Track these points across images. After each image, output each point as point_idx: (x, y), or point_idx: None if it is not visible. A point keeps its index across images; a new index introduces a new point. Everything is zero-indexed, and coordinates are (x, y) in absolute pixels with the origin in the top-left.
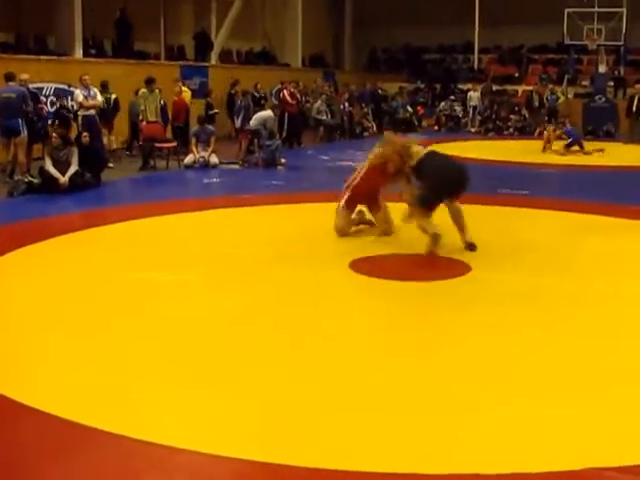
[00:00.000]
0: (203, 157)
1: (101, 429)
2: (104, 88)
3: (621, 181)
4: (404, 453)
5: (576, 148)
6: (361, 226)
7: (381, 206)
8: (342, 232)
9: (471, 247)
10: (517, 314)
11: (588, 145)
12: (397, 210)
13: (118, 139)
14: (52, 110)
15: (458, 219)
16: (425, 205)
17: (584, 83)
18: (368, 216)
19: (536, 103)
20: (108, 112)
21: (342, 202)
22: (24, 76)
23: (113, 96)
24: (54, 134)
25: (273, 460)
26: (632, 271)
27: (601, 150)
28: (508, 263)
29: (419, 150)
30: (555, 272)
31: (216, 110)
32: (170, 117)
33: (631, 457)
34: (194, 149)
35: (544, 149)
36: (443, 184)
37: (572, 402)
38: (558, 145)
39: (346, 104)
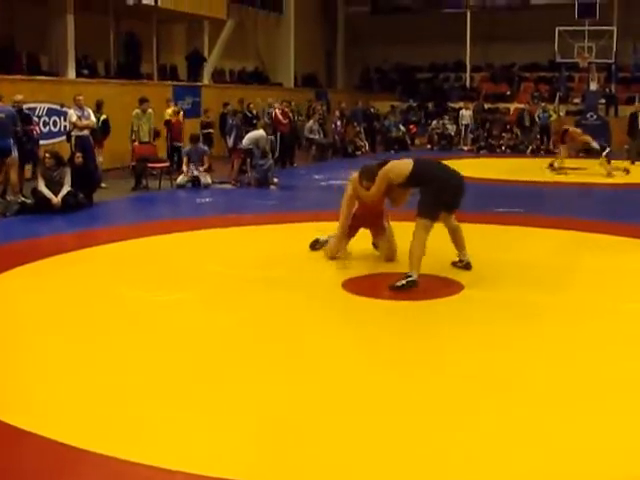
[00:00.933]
0: (196, 176)
1: (91, 450)
2: (98, 108)
3: (616, 199)
4: (395, 471)
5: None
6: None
7: (384, 230)
8: (332, 256)
9: (467, 266)
10: (511, 331)
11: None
12: (402, 229)
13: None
14: (45, 130)
15: (458, 237)
16: (429, 213)
17: (576, 101)
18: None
19: (527, 122)
20: (97, 132)
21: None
22: (18, 97)
23: (102, 117)
24: (47, 154)
25: None
26: (626, 288)
27: (626, 170)
28: (501, 281)
29: (401, 166)
30: (549, 290)
31: (210, 130)
32: (167, 137)
33: (624, 475)
34: (185, 168)
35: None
36: (447, 187)
37: (565, 417)
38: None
39: (338, 123)
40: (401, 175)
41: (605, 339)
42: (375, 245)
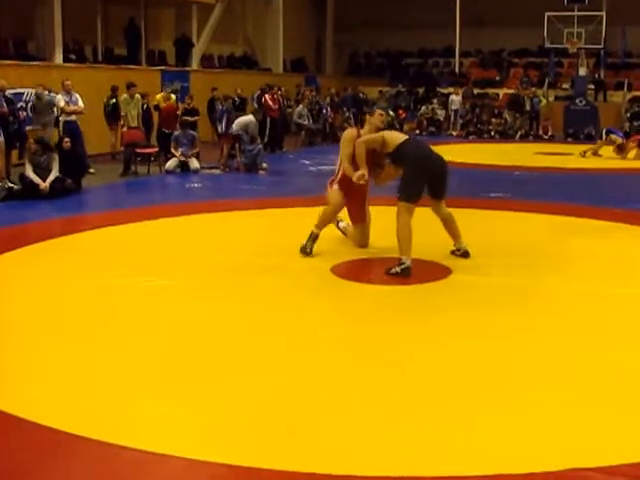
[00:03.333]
0: (184, 162)
1: (85, 436)
2: (113, 92)
3: (607, 184)
4: (389, 456)
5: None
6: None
7: (365, 217)
8: (341, 206)
9: (465, 255)
10: (499, 316)
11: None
12: (384, 213)
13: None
14: (31, 115)
15: (451, 226)
16: (408, 195)
17: (565, 86)
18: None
19: (527, 105)
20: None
21: (334, 186)
22: (1, 82)
23: (112, 101)
24: (31, 140)
25: (262, 465)
26: (615, 272)
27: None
28: (489, 266)
29: (396, 135)
30: (538, 274)
31: (196, 117)
32: (157, 123)
33: (611, 457)
34: (175, 153)
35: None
36: (424, 166)
37: (554, 403)
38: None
39: (328, 108)
40: (392, 143)
41: (595, 324)
42: (343, 231)
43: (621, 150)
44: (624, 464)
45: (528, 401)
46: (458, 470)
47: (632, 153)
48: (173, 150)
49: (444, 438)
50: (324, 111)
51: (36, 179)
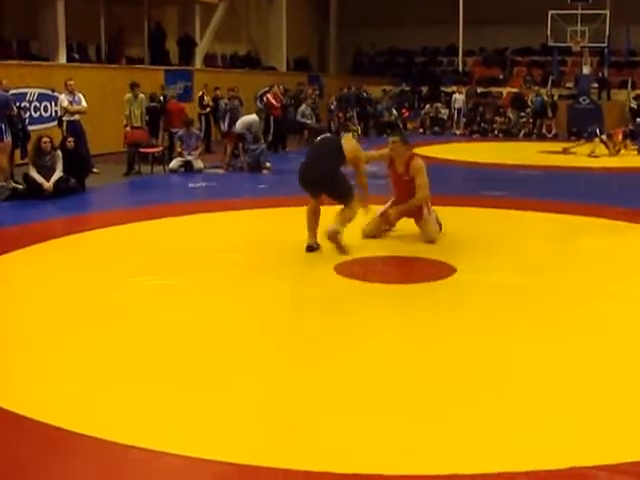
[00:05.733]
0: (188, 161)
1: (86, 434)
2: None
3: (608, 183)
4: (390, 454)
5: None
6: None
7: (422, 214)
8: (371, 234)
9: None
10: (504, 314)
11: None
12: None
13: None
14: (36, 115)
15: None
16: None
17: (568, 85)
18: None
19: (548, 104)
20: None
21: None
22: (3, 81)
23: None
24: (44, 138)
25: (262, 463)
26: (617, 270)
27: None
28: (493, 264)
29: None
30: (541, 273)
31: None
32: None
33: (613, 455)
34: (181, 151)
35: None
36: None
37: (557, 401)
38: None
39: (332, 107)
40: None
41: (597, 322)
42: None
43: (608, 145)
44: (626, 462)
45: (530, 399)
46: (459, 468)
47: (621, 145)
48: (178, 149)
49: (446, 436)
50: (329, 110)
51: (40, 179)
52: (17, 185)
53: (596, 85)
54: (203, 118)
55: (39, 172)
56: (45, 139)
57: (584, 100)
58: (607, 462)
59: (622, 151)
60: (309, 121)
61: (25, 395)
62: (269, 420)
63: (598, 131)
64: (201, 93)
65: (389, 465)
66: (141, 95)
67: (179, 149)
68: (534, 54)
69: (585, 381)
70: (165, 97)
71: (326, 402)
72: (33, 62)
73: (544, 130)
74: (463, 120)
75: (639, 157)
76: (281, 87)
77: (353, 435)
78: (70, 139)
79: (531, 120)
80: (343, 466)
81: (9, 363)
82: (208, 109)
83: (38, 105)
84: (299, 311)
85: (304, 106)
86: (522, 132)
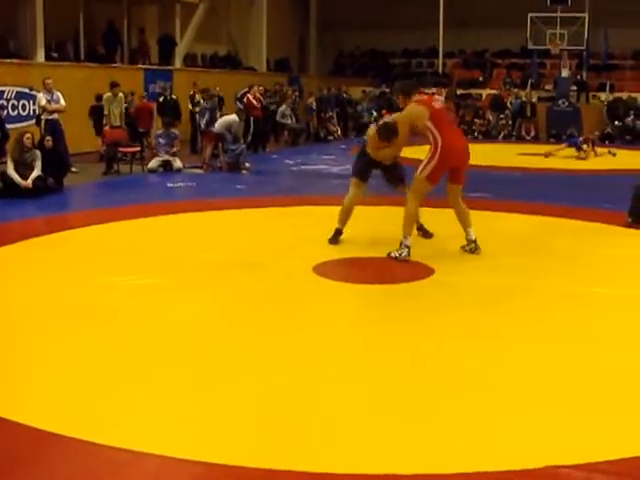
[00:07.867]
0: (167, 161)
1: (67, 435)
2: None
3: (588, 185)
4: (377, 454)
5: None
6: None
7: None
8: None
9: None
10: (482, 314)
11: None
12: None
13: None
14: (14, 114)
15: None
16: (355, 172)
17: (547, 87)
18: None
19: (528, 112)
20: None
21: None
22: None
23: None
24: (27, 134)
25: (252, 465)
26: (599, 271)
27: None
28: (471, 266)
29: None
30: (520, 273)
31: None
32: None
33: (589, 455)
34: (155, 152)
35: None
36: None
37: (535, 402)
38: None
39: (312, 107)
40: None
41: (579, 323)
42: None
43: (580, 150)
44: (602, 461)
45: (508, 400)
46: (435, 468)
47: (591, 154)
48: (155, 149)
49: (430, 436)
50: (310, 110)
51: (17, 178)
52: None
53: (575, 88)
54: (197, 117)
55: (17, 169)
56: (28, 135)
57: (563, 102)
58: (583, 461)
59: (591, 155)
60: (289, 121)
61: (3, 396)
62: (259, 419)
63: (578, 136)
64: (192, 92)
65: (372, 465)
66: (120, 94)
67: (153, 149)
68: (514, 56)
69: (564, 380)
70: (165, 97)
71: (313, 402)
72: (11, 60)
73: (523, 132)
74: None
75: (612, 157)
76: (261, 88)
77: (348, 435)
78: (48, 138)
79: (510, 122)
80: (342, 467)
81: None
82: (198, 108)
83: (16, 103)
84: (279, 312)
85: (284, 106)
86: (501, 134)
